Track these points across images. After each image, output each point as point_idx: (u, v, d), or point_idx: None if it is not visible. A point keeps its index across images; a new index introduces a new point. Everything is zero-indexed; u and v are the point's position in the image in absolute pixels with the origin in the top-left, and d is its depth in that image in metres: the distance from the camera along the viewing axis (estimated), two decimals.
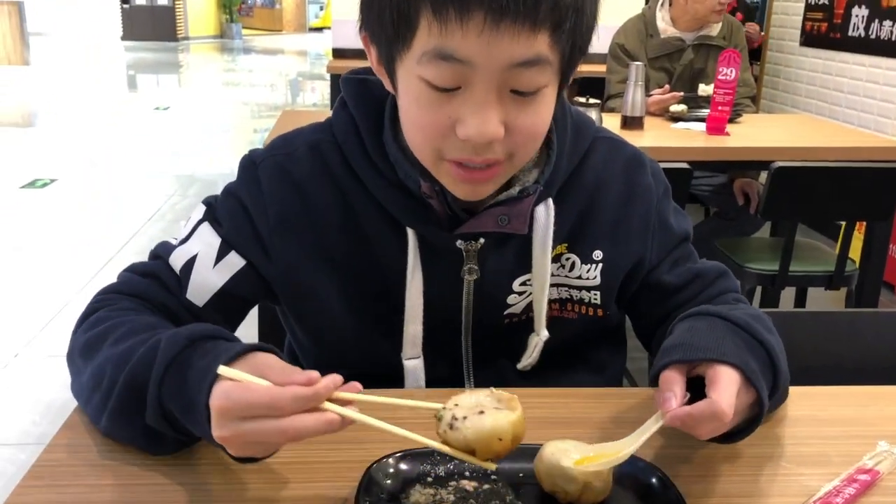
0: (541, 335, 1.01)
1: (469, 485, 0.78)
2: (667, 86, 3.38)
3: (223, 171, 6.55)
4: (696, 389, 0.79)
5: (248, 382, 0.72)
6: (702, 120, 3.07)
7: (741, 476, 0.82)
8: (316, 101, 11.21)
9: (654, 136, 2.98)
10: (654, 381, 0.83)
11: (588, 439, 0.84)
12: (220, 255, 0.97)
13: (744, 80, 3.44)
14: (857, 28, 4.59)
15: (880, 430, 0.90)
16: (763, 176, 2.85)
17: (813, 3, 5.03)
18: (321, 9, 26.25)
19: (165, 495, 0.77)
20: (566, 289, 1.03)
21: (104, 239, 4.60)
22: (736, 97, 3.03)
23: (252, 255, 0.98)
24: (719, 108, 2.94)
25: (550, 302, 1.02)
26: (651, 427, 0.77)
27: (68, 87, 11.49)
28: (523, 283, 1.00)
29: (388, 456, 0.78)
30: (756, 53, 5.07)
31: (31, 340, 3.29)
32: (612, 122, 3.02)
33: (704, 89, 3.34)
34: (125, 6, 19.73)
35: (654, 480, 0.77)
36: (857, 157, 2.76)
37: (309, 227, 0.97)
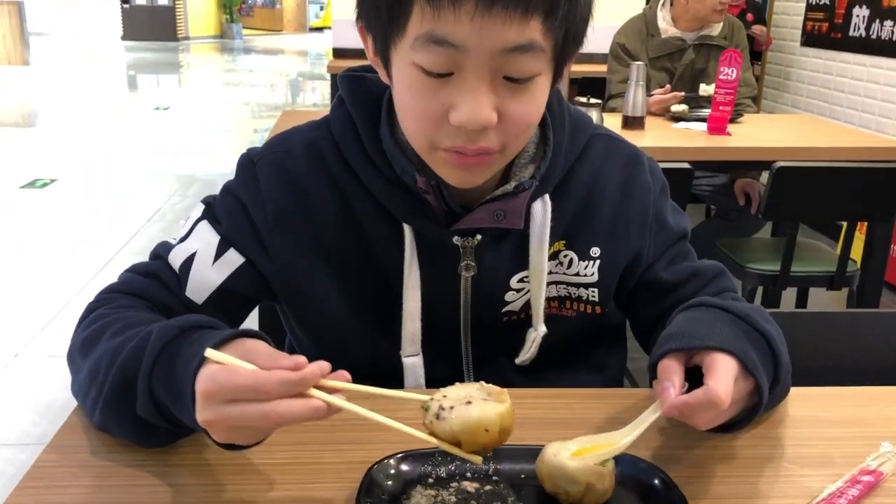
0: (538, 330, 1.01)
1: (470, 486, 0.77)
2: (668, 86, 3.38)
3: (223, 171, 6.54)
4: (696, 380, 0.79)
5: (235, 366, 0.71)
6: (703, 120, 3.06)
7: (743, 477, 0.81)
8: (316, 101, 11.21)
9: (655, 136, 2.98)
10: (652, 372, 0.83)
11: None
12: (219, 253, 0.98)
13: (745, 80, 3.44)
14: (858, 28, 4.58)
15: (883, 430, 0.90)
16: (764, 176, 2.85)
17: (814, 3, 5.03)
18: (321, 9, 26.24)
19: (164, 496, 0.76)
20: (564, 286, 1.03)
21: (104, 239, 4.60)
22: (737, 97, 3.03)
23: (251, 253, 0.98)
24: (720, 107, 2.94)
25: (549, 300, 1.02)
26: (649, 418, 0.78)
27: (68, 87, 11.49)
28: (521, 280, 1.00)
29: (389, 457, 0.78)
30: (757, 54, 5.03)
31: (31, 341, 3.29)
32: (613, 122, 3.01)
33: (705, 89, 3.34)
34: (125, 6, 19.73)
35: (656, 482, 0.76)
36: (858, 157, 2.75)
37: (307, 224, 0.97)
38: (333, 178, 0.98)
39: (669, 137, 2.99)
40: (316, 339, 1.04)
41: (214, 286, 0.97)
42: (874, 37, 4.44)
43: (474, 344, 1.03)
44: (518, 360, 1.03)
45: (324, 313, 1.00)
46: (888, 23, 4.32)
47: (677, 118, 3.22)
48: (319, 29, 25.05)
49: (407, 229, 0.96)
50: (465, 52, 0.79)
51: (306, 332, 1.05)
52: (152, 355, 0.78)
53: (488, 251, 0.99)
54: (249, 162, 1.00)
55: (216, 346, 0.73)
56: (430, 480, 0.77)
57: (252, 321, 1.25)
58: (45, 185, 5.76)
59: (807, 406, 0.96)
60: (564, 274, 1.02)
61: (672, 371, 0.79)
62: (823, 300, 3.41)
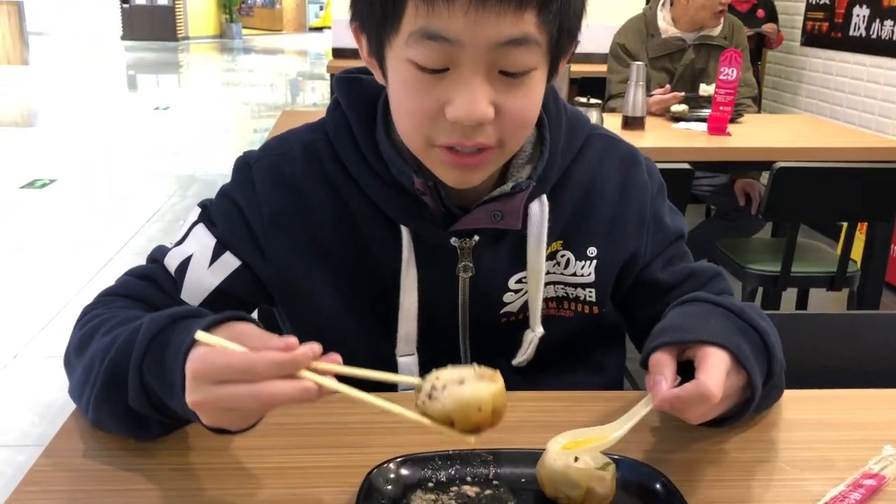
0: (535, 331, 1.01)
1: (471, 490, 0.77)
2: (668, 86, 3.37)
3: (223, 170, 6.54)
4: (689, 374, 0.78)
5: (225, 347, 0.70)
6: (703, 120, 3.06)
7: (745, 481, 0.81)
8: (316, 101, 11.20)
9: (655, 137, 2.98)
10: (644, 366, 0.83)
11: None
12: (215, 256, 0.98)
13: (745, 80, 3.43)
14: (858, 28, 4.58)
15: (885, 434, 0.89)
16: (764, 177, 2.85)
17: (814, 2, 5.02)
18: (321, 8, 26.24)
19: (162, 501, 0.76)
20: (562, 286, 1.03)
21: (104, 239, 4.60)
22: (737, 97, 3.02)
23: (247, 256, 0.98)
24: (720, 108, 2.94)
25: (547, 300, 1.02)
26: (640, 411, 0.77)
27: (68, 87, 11.48)
28: (519, 281, 1.00)
29: (388, 461, 0.77)
30: (757, 53, 5.02)
31: (31, 341, 3.28)
32: (613, 123, 3.01)
33: (706, 89, 3.34)
34: (125, 6, 19.71)
35: (657, 486, 0.76)
36: (858, 157, 2.75)
37: (303, 226, 0.97)
38: (330, 180, 0.98)
39: (669, 138, 2.99)
40: (311, 337, 1.03)
41: (210, 289, 0.97)
42: (874, 36, 4.43)
43: (472, 345, 1.03)
44: (515, 362, 1.03)
45: (320, 315, 1.00)
46: (888, 22, 4.31)
47: (677, 118, 3.21)
48: (319, 29, 25.05)
49: (404, 231, 0.96)
50: (459, 46, 0.79)
51: (302, 334, 1.04)
52: (143, 345, 0.78)
53: (486, 252, 0.98)
54: (245, 165, 1.00)
55: (206, 330, 0.73)
56: (430, 485, 0.77)
57: None
58: (44, 185, 5.76)
59: (808, 409, 0.95)
60: (562, 274, 1.02)
61: (664, 364, 0.79)
62: (824, 301, 3.41)
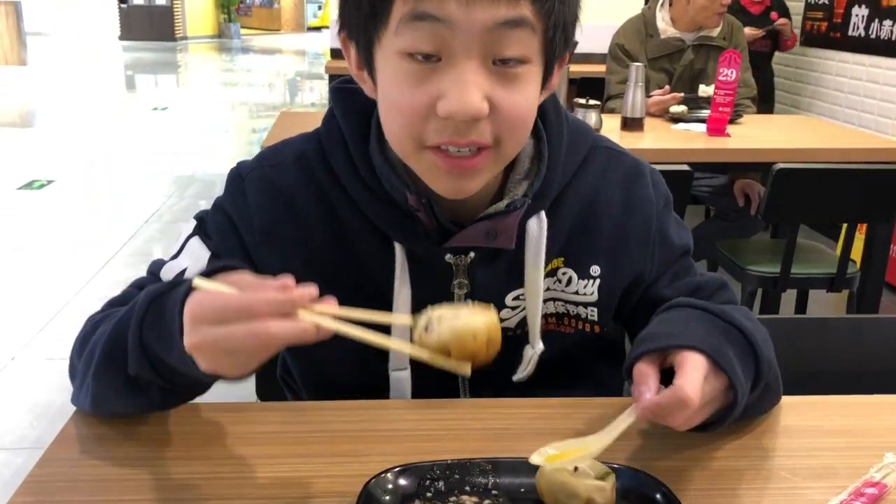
0: (535, 348, 0.99)
1: (469, 500, 0.76)
2: (667, 86, 3.37)
3: (222, 171, 6.52)
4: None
5: (222, 290, 0.71)
6: (702, 121, 3.05)
7: (745, 490, 0.80)
8: (314, 101, 11.19)
9: (655, 138, 2.97)
10: (628, 375, 0.82)
11: None
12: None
13: (744, 81, 3.43)
14: (857, 28, 4.58)
15: (887, 441, 0.89)
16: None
17: (813, 2, 5.02)
18: (319, 8, 26.25)
19: None
20: (562, 303, 1.01)
21: (102, 240, 4.59)
22: (736, 98, 3.02)
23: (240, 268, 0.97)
24: (720, 108, 2.93)
25: (546, 316, 1.00)
26: (625, 421, 0.77)
27: (66, 87, 11.47)
28: (516, 298, 0.98)
29: (386, 471, 0.77)
30: (768, 55, 4.86)
31: (29, 343, 3.27)
32: (612, 124, 3.01)
33: (705, 90, 3.33)
34: (123, 6, 19.69)
35: (657, 495, 0.75)
36: (858, 158, 2.75)
37: (295, 239, 0.95)
38: (323, 193, 0.96)
39: (668, 139, 2.98)
40: (306, 353, 1.03)
41: None
42: (873, 36, 4.43)
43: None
44: (516, 378, 1.01)
45: None
46: (887, 22, 4.31)
47: (676, 119, 3.21)
48: (317, 28, 25.04)
49: (398, 247, 0.94)
50: (451, 28, 0.77)
51: (296, 347, 1.04)
52: (142, 309, 0.79)
53: (482, 269, 0.96)
54: (238, 176, 0.98)
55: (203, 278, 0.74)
56: (429, 495, 0.76)
57: None
58: (42, 186, 5.75)
59: (808, 416, 0.95)
60: (563, 291, 1.00)
61: (647, 374, 0.78)
62: (823, 302, 3.40)
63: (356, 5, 0.83)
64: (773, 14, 4.68)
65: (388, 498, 0.75)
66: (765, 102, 4.57)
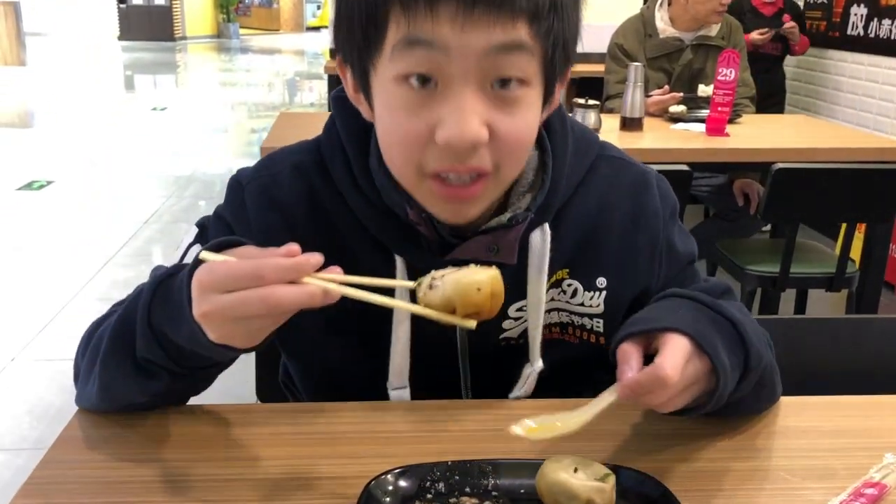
0: (535, 366, 0.98)
1: (470, 501, 0.76)
2: (666, 86, 3.37)
3: (221, 171, 6.53)
4: None
5: (230, 260, 0.72)
6: (701, 121, 3.06)
7: (745, 490, 0.81)
8: (313, 101, 11.19)
9: (654, 138, 2.97)
10: (614, 357, 0.82)
11: (590, 453, 0.83)
12: None
13: (743, 80, 3.43)
14: (856, 27, 4.58)
15: (887, 441, 0.89)
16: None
17: (812, 1, 5.02)
18: (318, 8, 26.24)
19: None
20: (567, 314, 0.99)
21: (102, 240, 4.59)
22: (735, 97, 3.02)
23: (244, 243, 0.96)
24: (719, 108, 2.93)
25: (550, 325, 0.99)
26: (606, 399, 0.77)
27: (65, 87, 11.47)
28: (519, 310, 0.96)
29: (387, 472, 0.77)
30: (778, 58, 4.76)
31: (28, 344, 3.27)
32: (611, 123, 3.01)
33: (704, 90, 3.33)
34: (122, 6, 19.69)
35: (657, 496, 0.75)
36: (857, 157, 2.75)
37: None
38: (321, 205, 0.95)
39: (668, 139, 2.98)
40: (305, 365, 1.03)
41: None
42: (872, 35, 4.43)
43: (472, 371, 0.99)
44: (512, 396, 0.99)
45: (312, 342, 0.97)
46: (886, 21, 4.31)
47: (676, 119, 3.21)
48: (316, 28, 25.03)
49: (398, 260, 0.92)
50: (446, 53, 0.76)
51: (294, 358, 1.04)
52: (149, 292, 0.81)
53: None
54: (238, 186, 0.98)
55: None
56: (429, 496, 0.76)
57: None
58: (41, 186, 5.75)
59: (808, 416, 0.95)
60: (567, 302, 0.98)
61: (629, 354, 0.78)
62: (823, 301, 3.40)
63: (349, 32, 0.82)
64: (786, 16, 4.61)
65: (388, 499, 0.75)
66: (775, 105, 4.52)
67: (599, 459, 0.76)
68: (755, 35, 4.40)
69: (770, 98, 4.40)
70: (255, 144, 7.48)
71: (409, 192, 0.88)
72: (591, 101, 2.83)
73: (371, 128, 0.92)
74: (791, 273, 2.65)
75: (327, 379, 1.00)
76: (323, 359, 0.99)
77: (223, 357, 0.80)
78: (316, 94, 11.72)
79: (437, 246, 0.92)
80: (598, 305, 0.98)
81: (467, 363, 0.99)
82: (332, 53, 0.97)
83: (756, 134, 3.10)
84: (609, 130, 2.90)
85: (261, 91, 12.03)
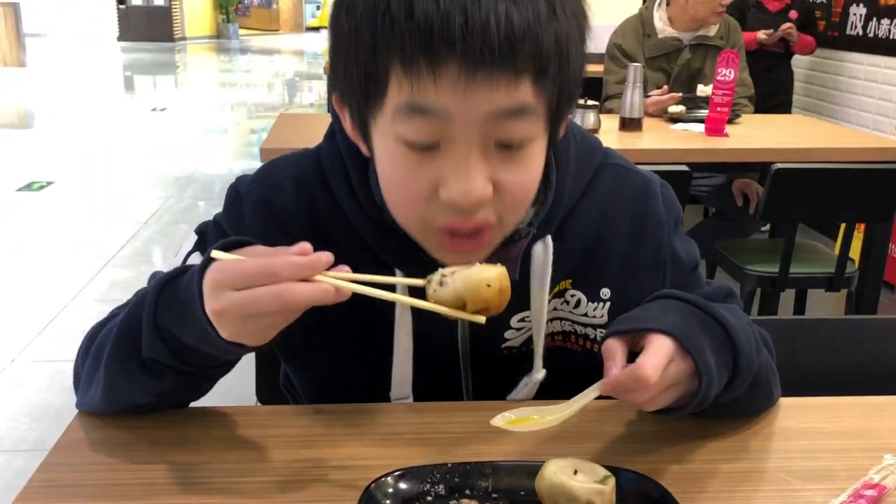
0: (536, 375, 0.97)
1: (470, 503, 0.76)
2: (665, 87, 3.37)
3: (221, 172, 6.54)
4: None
5: (241, 258, 0.73)
6: (700, 121, 3.05)
7: (744, 492, 0.81)
8: (313, 101, 11.19)
9: (653, 138, 2.97)
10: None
11: (590, 455, 0.83)
12: None
13: (742, 80, 3.43)
14: (856, 27, 4.58)
15: (886, 442, 0.89)
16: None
17: (811, 1, 5.02)
18: (318, 8, 26.25)
19: None
20: (570, 323, 0.99)
21: (102, 241, 4.59)
22: (734, 97, 3.02)
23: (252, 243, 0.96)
24: (718, 109, 2.93)
25: (553, 334, 0.99)
26: (588, 395, 0.79)
27: (65, 88, 11.47)
28: (521, 320, 0.95)
29: (387, 474, 0.77)
30: (787, 57, 4.67)
31: (28, 345, 3.27)
32: (610, 124, 3.01)
33: (703, 90, 3.33)
34: (121, 7, 19.69)
35: (657, 497, 0.76)
36: (856, 157, 2.75)
37: None
38: (321, 217, 0.93)
39: (667, 139, 2.98)
40: (304, 375, 1.03)
41: None
42: (871, 35, 4.43)
43: (474, 378, 0.99)
44: (509, 397, 0.99)
45: (312, 353, 0.97)
46: (885, 21, 4.31)
47: (675, 119, 3.21)
48: (316, 29, 25.05)
49: (399, 274, 0.91)
50: (450, 120, 0.74)
51: (294, 370, 1.03)
52: (155, 292, 0.81)
53: None
54: (237, 195, 0.96)
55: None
56: (429, 499, 0.76)
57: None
58: (41, 187, 5.75)
59: (808, 417, 0.95)
60: (570, 312, 0.98)
61: (614, 351, 0.79)
62: (822, 301, 3.41)
63: (347, 79, 0.79)
64: (793, 13, 4.53)
65: (388, 502, 0.75)
66: (778, 106, 4.46)
67: (599, 461, 0.76)
68: (761, 34, 4.36)
69: (772, 98, 4.35)
70: (255, 145, 7.48)
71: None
72: (589, 102, 2.83)
73: None
74: (790, 273, 2.65)
75: (329, 389, 0.99)
76: (324, 370, 0.99)
77: (232, 355, 0.80)
78: (315, 95, 11.72)
79: (437, 259, 0.90)
80: (601, 316, 0.97)
81: (469, 371, 0.99)
82: (332, 90, 0.93)
83: (755, 134, 3.10)
84: (608, 131, 2.90)
85: (260, 91, 12.03)
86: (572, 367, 0.98)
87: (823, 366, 1.20)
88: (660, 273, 0.98)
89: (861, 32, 4.53)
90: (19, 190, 5.67)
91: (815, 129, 3.41)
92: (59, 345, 3.24)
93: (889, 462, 0.84)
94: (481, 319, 0.75)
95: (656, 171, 1.05)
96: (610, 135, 2.86)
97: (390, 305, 0.93)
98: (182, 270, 0.82)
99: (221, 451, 0.85)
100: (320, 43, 19.28)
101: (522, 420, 0.79)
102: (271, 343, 0.77)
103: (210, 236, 0.98)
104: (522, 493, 0.77)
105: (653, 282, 0.98)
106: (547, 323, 0.97)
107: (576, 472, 0.74)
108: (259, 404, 1.27)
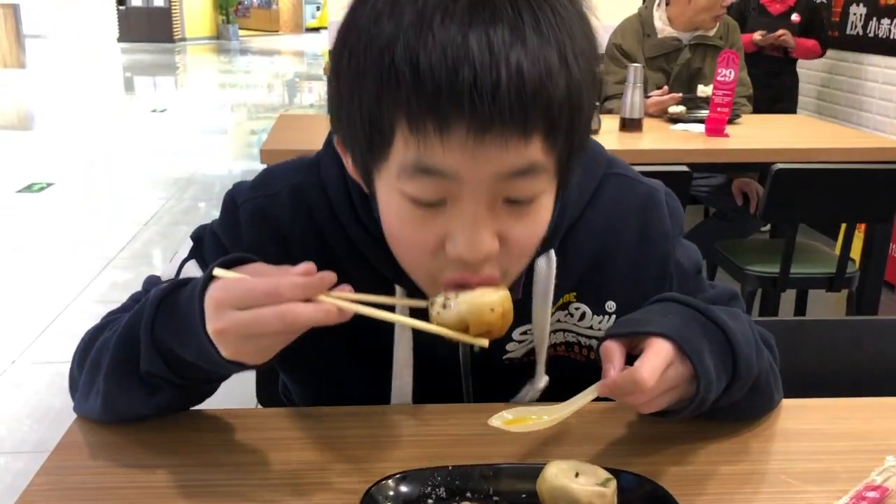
0: (538, 385, 0.97)
1: None
2: (665, 87, 3.37)
3: (221, 172, 6.54)
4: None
5: (244, 276, 0.73)
6: (701, 121, 3.05)
7: (746, 494, 0.81)
8: (313, 102, 11.19)
9: (653, 139, 2.97)
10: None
11: (591, 457, 0.83)
12: None
13: (740, 80, 3.42)
14: (856, 26, 4.58)
15: (888, 444, 0.89)
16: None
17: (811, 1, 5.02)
18: (318, 9, 26.24)
19: None
20: (573, 334, 0.98)
21: (102, 242, 4.59)
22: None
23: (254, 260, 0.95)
24: (718, 109, 2.93)
25: (556, 344, 0.98)
26: (586, 397, 0.80)
27: (65, 89, 11.47)
28: (524, 333, 0.95)
29: (387, 477, 0.77)
30: (787, 61, 4.56)
31: (29, 347, 3.27)
32: (610, 124, 3.00)
33: (703, 90, 3.33)
34: (121, 8, 19.69)
35: (659, 499, 0.75)
36: (857, 158, 2.75)
37: None
38: (319, 228, 0.91)
39: (667, 139, 2.98)
40: (303, 386, 1.02)
41: None
42: (871, 35, 4.43)
43: (475, 392, 0.98)
44: (512, 400, 0.98)
45: (311, 365, 0.96)
46: (885, 21, 4.31)
47: (675, 120, 3.21)
48: (316, 29, 25.04)
49: (398, 289, 0.90)
50: (458, 180, 0.71)
51: (293, 381, 1.03)
52: (153, 306, 0.80)
53: None
54: (233, 204, 0.93)
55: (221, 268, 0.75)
56: (430, 501, 0.76)
57: None
58: (42, 188, 5.74)
59: (809, 419, 0.95)
60: (575, 325, 0.97)
61: (612, 353, 0.79)
62: (823, 301, 3.40)
63: (351, 125, 0.76)
64: (795, 16, 4.43)
65: None
66: (784, 112, 4.43)
67: (600, 463, 0.76)
68: (756, 36, 4.30)
69: (776, 104, 4.28)
70: (255, 146, 7.48)
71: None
72: None
73: None
74: (791, 273, 2.65)
75: (328, 401, 0.97)
76: (323, 382, 0.98)
77: (231, 372, 0.80)
78: (315, 96, 11.72)
79: None
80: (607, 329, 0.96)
81: (469, 382, 0.98)
82: (332, 130, 0.89)
83: (755, 134, 3.10)
84: (608, 131, 2.90)
85: (260, 92, 12.03)
86: (574, 377, 0.95)
87: (824, 366, 1.20)
88: (665, 285, 0.97)
89: (861, 32, 4.53)
90: (19, 191, 5.67)
91: (815, 130, 3.41)
92: (59, 346, 3.24)
93: (891, 464, 0.84)
94: (484, 343, 0.75)
95: (656, 172, 1.05)
96: (610, 135, 2.86)
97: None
98: (181, 283, 0.81)
99: (222, 453, 0.85)
100: (320, 43, 19.27)
101: (519, 420, 0.79)
102: (270, 362, 0.77)
103: (206, 244, 0.95)
104: (524, 495, 0.77)
105: (658, 293, 0.95)
106: (549, 334, 0.96)
107: (577, 475, 0.74)
108: (259, 406, 1.27)
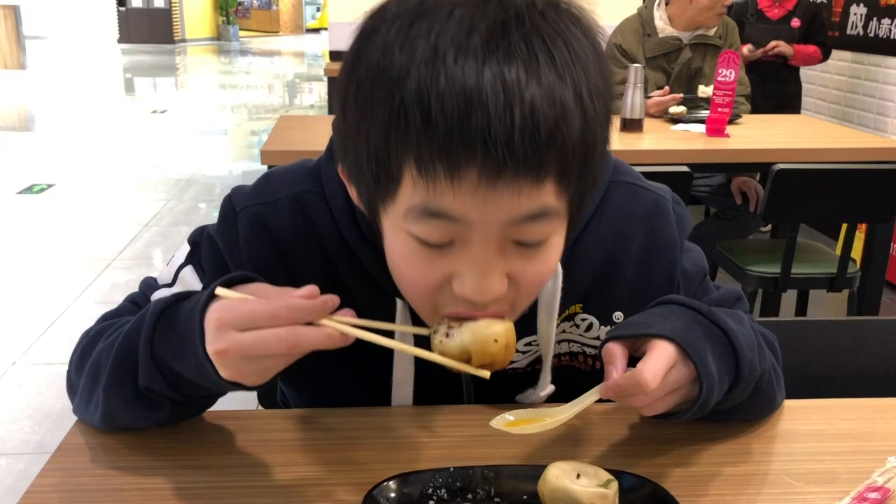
0: (539, 393, 0.96)
1: None
2: (666, 87, 3.37)
3: (222, 173, 6.54)
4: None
5: (246, 297, 0.72)
6: (701, 121, 3.05)
7: (748, 495, 0.80)
8: (313, 103, 11.19)
9: (654, 139, 2.97)
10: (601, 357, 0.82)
11: (593, 458, 0.83)
12: None
13: (739, 79, 3.43)
14: (856, 27, 4.58)
15: (889, 444, 0.89)
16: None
17: (811, 1, 5.01)
18: (318, 10, 26.26)
19: None
20: (578, 344, 0.97)
21: (103, 243, 4.59)
22: None
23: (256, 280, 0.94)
24: (719, 109, 2.93)
25: (560, 354, 0.98)
26: (589, 398, 0.79)
27: (65, 90, 11.47)
28: (528, 344, 0.94)
29: (388, 479, 0.77)
30: (788, 65, 4.48)
31: (29, 348, 3.27)
32: None
33: (704, 91, 3.33)
34: (121, 9, 19.70)
35: (660, 500, 0.75)
36: (857, 158, 2.75)
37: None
38: (319, 239, 0.89)
39: (668, 140, 2.98)
40: (301, 395, 1.02)
41: None
42: (871, 35, 4.43)
43: (478, 400, 0.98)
44: (518, 398, 0.97)
45: (307, 374, 0.94)
46: (886, 21, 4.31)
47: (676, 120, 3.21)
48: (316, 30, 25.06)
49: (399, 303, 0.88)
50: (467, 224, 0.69)
51: (294, 391, 1.03)
52: (152, 321, 0.79)
53: None
54: (231, 211, 0.91)
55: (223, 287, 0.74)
56: (432, 502, 0.76)
57: None
58: (42, 190, 5.75)
59: (810, 419, 0.94)
60: (581, 335, 0.96)
61: (614, 355, 0.78)
62: (824, 302, 3.40)
63: (357, 161, 0.73)
64: (795, 21, 4.35)
65: None
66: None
67: (602, 465, 0.76)
68: (744, 51, 4.14)
69: (780, 111, 4.24)
70: (255, 147, 7.48)
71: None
72: None
73: None
74: (792, 273, 2.65)
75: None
76: (323, 392, 0.97)
77: (228, 391, 0.79)
78: (316, 96, 11.73)
79: None
80: None
81: (471, 391, 0.98)
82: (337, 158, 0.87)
83: (756, 134, 3.10)
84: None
85: (261, 93, 12.03)
86: (579, 386, 0.93)
87: (825, 367, 1.20)
88: (672, 293, 0.95)
89: (861, 32, 4.53)
90: (20, 193, 5.67)
91: (816, 130, 3.41)
92: (60, 347, 3.24)
93: (893, 464, 0.84)
94: (486, 374, 0.74)
95: (657, 172, 1.04)
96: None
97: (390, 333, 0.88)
98: (181, 297, 0.80)
99: (222, 455, 0.85)
100: (321, 44, 19.30)
101: (521, 422, 0.79)
102: (269, 383, 0.76)
103: (203, 250, 0.94)
104: (525, 496, 0.77)
105: None
106: (555, 344, 0.95)
107: (578, 476, 0.74)
108: (261, 408, 1.27)
